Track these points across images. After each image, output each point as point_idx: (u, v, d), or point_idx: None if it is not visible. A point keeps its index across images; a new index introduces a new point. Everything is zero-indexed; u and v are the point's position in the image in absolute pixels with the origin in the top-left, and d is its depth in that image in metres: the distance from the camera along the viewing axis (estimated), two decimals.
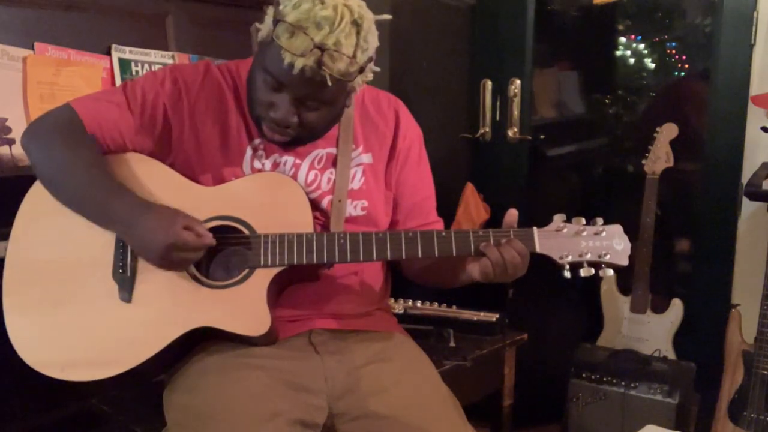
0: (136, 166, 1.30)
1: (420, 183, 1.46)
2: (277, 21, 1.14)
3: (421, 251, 1.24)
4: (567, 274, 1.24)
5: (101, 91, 1.53)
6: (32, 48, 1.61)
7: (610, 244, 1.25)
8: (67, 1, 1.68)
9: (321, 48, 1.12)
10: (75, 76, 1.66)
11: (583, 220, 1.26)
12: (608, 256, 1.24)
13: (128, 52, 1.78)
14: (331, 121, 1.31)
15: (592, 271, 1.24)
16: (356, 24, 1.15)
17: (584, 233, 1.25)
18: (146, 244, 1.20)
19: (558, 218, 1.26)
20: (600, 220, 1.27)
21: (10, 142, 1.54)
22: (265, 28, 1.19)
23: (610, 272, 1.24)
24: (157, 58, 1.83)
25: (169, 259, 1.20)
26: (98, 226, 1.25)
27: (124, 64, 1.77)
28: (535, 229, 1.25)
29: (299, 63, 1.13)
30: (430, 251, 1.24)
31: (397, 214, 1.44)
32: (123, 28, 1.78)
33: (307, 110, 1.23)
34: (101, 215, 1.24)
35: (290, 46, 1.12)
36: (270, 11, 1.18)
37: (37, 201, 1.28)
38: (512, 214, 1.25)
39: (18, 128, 1.54)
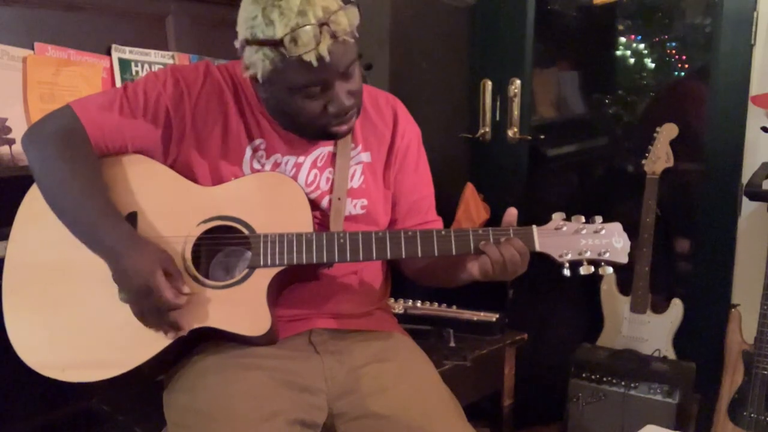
0: (137, 166, 1.30)
1: (419, 181, 1.46)
2: (273, 45, 1.13)
3: (420, 250, 1.24)
4: (566, 272, 1.24)
5: (103, 92, 1.53)
6: (32, 48, 1.61)
7: (609, 242, 1.24)
8: (67, 1, 1.68)
9: (321, 23, 1.12)
10: (75, 76, 1.66)
11: (582, 219, 1.26)
12: (608, 254, 1.24)
13: (128, 52, 1.78)
14: (362, 81, 1.30)
15: (592, 269, 1.24)
16: None
17: (583, 231, 1.25)
18: (125, 279, 1.18)
19: (557, 216, 1.26)
20: (599, 218, 1.26)
21: (10, 142, 1.54)
22: (259, 65, 1.17)
23: (610, 270, 1.24)
24: (157, 58, 1.83)
25: (141, 302, 1.18)
26: (86, 247, 1.24)
27: (124, 64, 1.77)
28: (534, 227, 1.25)
29: (322, 48, 1.13)
30: (429, 250, 1.24)
31: (396, 213, 1.44)
32: (123, 28, 1.79)
33: (348, 82, 1.22)
34: (89, 240, 1.23)
35: (304, 46, 1.12)
36: (250, 53, 1.16)
37: (37, 201, 1.27)
38: (511, 213, 1.25)
39: (18, 128, 1.55)
